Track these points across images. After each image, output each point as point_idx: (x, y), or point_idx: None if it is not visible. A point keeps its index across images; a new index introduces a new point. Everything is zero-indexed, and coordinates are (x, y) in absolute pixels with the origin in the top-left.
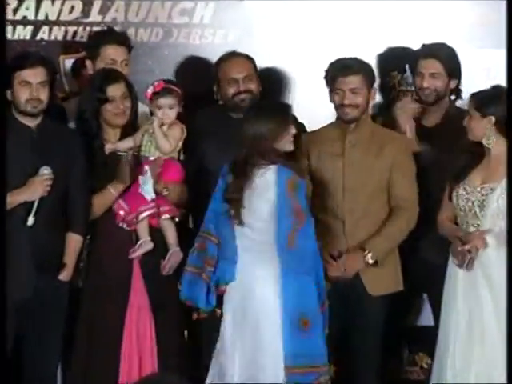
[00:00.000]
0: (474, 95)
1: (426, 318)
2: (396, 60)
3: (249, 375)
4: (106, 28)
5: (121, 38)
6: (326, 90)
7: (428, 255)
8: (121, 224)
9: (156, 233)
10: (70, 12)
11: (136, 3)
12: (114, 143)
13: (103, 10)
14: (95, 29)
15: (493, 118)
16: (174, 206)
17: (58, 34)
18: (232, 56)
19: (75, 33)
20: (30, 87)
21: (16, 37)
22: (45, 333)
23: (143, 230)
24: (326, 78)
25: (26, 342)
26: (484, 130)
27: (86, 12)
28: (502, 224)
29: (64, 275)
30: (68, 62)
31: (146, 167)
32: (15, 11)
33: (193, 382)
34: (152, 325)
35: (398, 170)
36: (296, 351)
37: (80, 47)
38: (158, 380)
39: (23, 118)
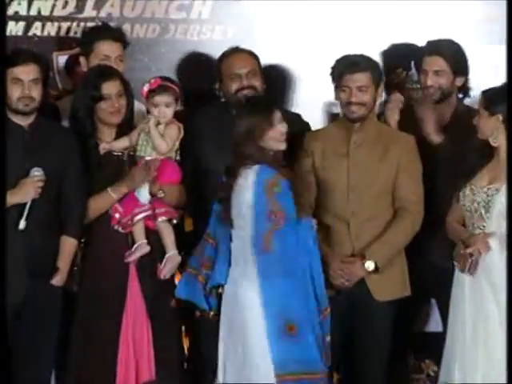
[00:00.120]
0: (483, 93)
1: (433, 324)
2: (401, 57)
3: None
4: (100, 24)
5: (115, 34)
6: (329, 88)
7: (436, 258)
8: (116, 227)
9: (153, 235)
10: (64, 7)
11: None
12: (110, 143)
13: (98, 5)
14: (89, 24)
15: (500, 117)
16: (171, 207)
17: (51, 29)
18: (235, 51)
19: (69, 29)
20: (22, 85)
21: (8, 33)
22: (38, 338)
23: (139, 233)
24: (332, 74)
25: (19, 347)
26: (492, 128)
27: (80, 7)
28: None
29: (57, 280)
30: (61, 59)
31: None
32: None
33: None
34: (149, 329)
35: (403, 170)
36: (285, 357)
37: (74, 43)
38: None
39: (15, 117)
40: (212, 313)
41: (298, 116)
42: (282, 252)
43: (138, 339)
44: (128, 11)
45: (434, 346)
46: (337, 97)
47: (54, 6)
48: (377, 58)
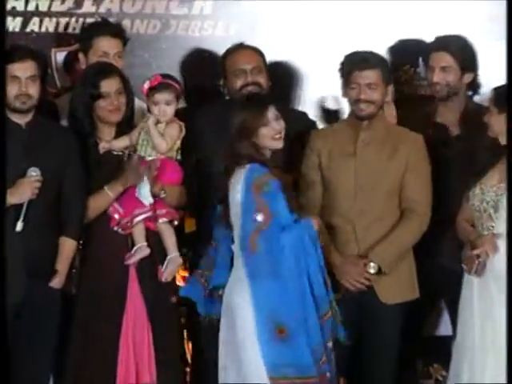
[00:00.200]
0: (494, 90)
1: (442, 328)
2: (409, 53)
3: None
4: (99, 19)
5: (115, 30)
6: (335, 85)
7: (446, 260)
8: (115, 228)
9: (153, 237)
10: (62, 2)
11: None
12: (109, 142)
13: (97, 1)
14: (88, 20)
15: None
16: (172, 208)
17: (49, 25)
18: (240, 48)
19: (67, 24)
20: (19, 82)
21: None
22: (36, 340)
23: (139, 235)
24: (340, 70)
25: (17, 347)
26: (502, 126)
27: (78, 2)
28: None
29: (56, 282)
30: (60, 56)
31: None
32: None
33: None
34: (149, 332)
35: (411, 170)
36: (277, 361)
37: (72, 40)
38: None
39: (12, 115)
40: (213, 318)
41: (303, 114)
42: (268, 253)
43: (138, 342)
44: (128, 7)
45: (443, 351)
46: (344, 94)
47: (52, 1)
48: (384, 54)
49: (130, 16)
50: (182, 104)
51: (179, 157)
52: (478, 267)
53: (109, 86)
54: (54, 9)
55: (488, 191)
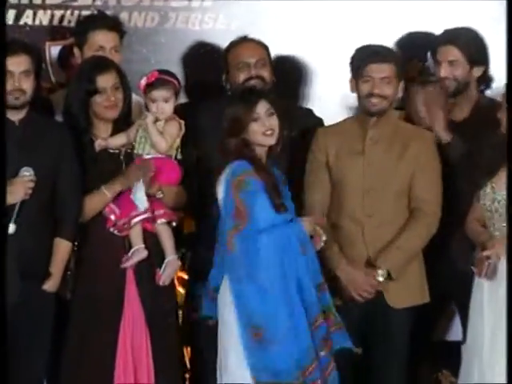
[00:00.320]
0: (508, 84)
1: (452, 333)
2: (417, 47)
3: None
4: (96, 12)
5: (111, 23)
6: (340, 81)
7: (457, 262)
8: (112, 229)
9: (151, 238)
10: None
11: None
12: (105, 139)
13: None
14: (84, 13)
15: None
16: (171, 209)
17: (43, 18)
18: (243, 41)
19: (62, 17)
20: (13, 77)
21: None
22: (29, 343)
23: (136, 237)
24: (351, 64)
25: (12, 350)
26: None
27: None
28: None
29: (49, 285)
30: (54, 50)
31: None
32: None
33: None
34: (147, 336)
35: (421, 168)
36: (256, 365)
37: (68, 33)
38: None
39: (6, 112)
40: (212, 318)
41: (309, 111)
42: (243, 254)
43: (136, 346)
44: None
45: (452, 356)
46: (354, 88)
47: None
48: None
49: (127, 8)
50: (183, 99)
51: (180, 156)
52: (488, 270)
53: (105, 81)
54: (48, 1)
55: (500, 190)
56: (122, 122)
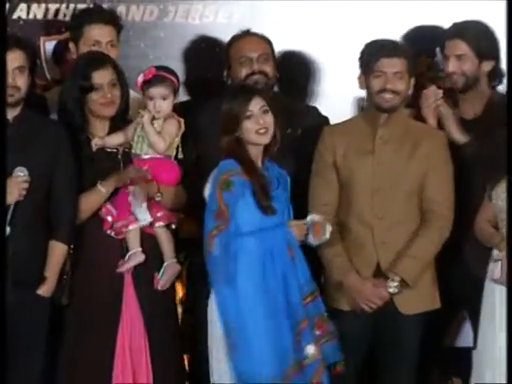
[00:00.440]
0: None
1: (462, 339)
2: (426, 42)
3: None
4: (92, 5)
5: (107, 17)
6: (344, 77)
7: (470, 266)
8: (108, 231)
9: (149, 240)
10: None
11: None
12: (102, 138)
13: None
14: (80, 6)
15: None
16: (170, 211)
17: (37, 12)
18: (246, 35)
19: (57, 11)
20: (6, 73)
21: None
22: (25, 349)
23: (133, 240)
24: (361, 59)
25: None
26: None
27: None
28: None
29: (44, 290)
30: (49, 45)
31: (132, 188)
32: None
33: None
34: (146, 340)
35: (433, 169)
36: (234, 367)
37: (63, 27)
38: None
39: None
40: None
41: (314, 109)
42: (222, 255)
43: (135, 349)
44: None
45: (463, 363)
46: (364, 84)
47: None
48: None
49: (125, 1)
50: (185, 97)
51: (181, 155)
52: (502, 273)
53: (101, 77)
54: None
55: None
56: (120, 120)
